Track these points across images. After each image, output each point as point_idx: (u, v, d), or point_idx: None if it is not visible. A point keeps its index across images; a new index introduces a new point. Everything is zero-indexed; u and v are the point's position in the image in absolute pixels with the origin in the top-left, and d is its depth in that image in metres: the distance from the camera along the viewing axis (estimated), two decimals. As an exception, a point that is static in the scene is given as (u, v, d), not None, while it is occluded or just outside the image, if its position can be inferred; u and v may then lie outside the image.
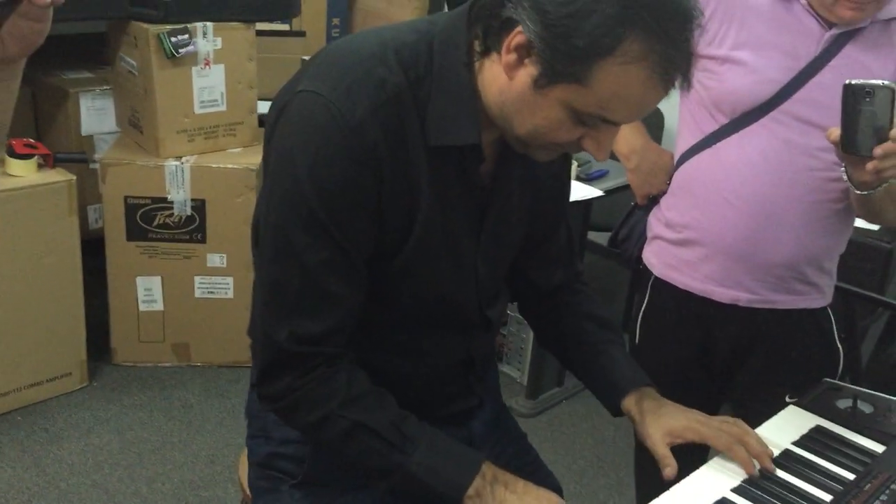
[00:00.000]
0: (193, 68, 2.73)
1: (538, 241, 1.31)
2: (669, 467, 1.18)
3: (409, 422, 1.11)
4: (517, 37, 0.96)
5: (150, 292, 2.88)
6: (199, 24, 2.69)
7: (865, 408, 1.30)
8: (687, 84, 0.98)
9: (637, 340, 1.79)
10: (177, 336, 2.94)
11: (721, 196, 1.57)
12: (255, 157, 2.86)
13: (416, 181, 1.06)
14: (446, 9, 3.83)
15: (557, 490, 1.39)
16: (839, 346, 1.71)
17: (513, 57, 0.98)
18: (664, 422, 1.23)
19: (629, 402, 1.28)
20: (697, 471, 1.18)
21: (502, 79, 1.01)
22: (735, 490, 1.12)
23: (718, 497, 1.11)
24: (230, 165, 2.78)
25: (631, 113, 0.99)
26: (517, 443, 1.41)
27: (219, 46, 2.75)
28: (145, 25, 2.62)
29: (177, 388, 2.87)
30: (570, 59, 0.93)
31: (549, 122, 1.00)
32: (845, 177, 1.41)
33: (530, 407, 2.88)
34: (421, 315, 1.18)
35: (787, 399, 1.68)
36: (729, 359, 1.70)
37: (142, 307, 2.89)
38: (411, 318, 1.19)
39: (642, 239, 1.78)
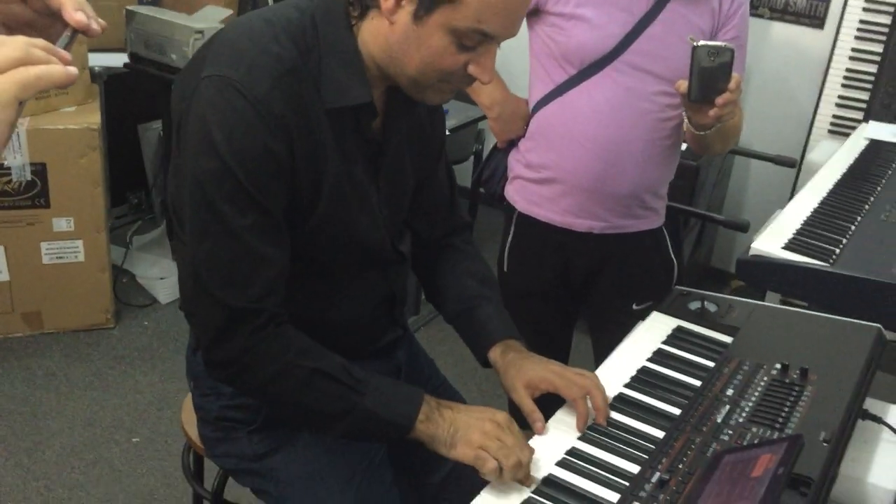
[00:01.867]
0: (18, 26, 2.61)
1: (421, 186, 1.44)
2: (538, 422, 1.26)
3: (355, 367, 1.23)
4: None
5: (-7, 263, 2.78)
6: (21, -20, 2.56)
7: (711, 307, 1.57)
8: None
9: (506, 269, 2.01)
10: (26, 305, 2.87)
11: (573, 139, 1.78)
12: (92, 116, 2.80)
13: (320, 142, 1.18)
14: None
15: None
16: (673, 258, 2.01)
17: (391, 3, 1.11)
18: (523, 374, 1.32)
19: (495, 353, 1.39)
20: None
21: (384, 27, 1.14)
22: (626, 385, 1.35)
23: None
24: (70, 126, 2.71)
25: (503, 20, 1.12)
26: (430, 366, 1.58)
27: (44, 2, 2.64)
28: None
29: (34, 357, 2.81)
30: None
31: (435, 51, 1.13)
32: (686, 121, 1.66)
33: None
34: (343, 261, 1.31)
35: (634, 307, 1.97)
36: (585, 277, 1.96)
37: (-15, 279, 2.78)
38: (335, 266, 1.31)
39: (504, 177, 1.98)
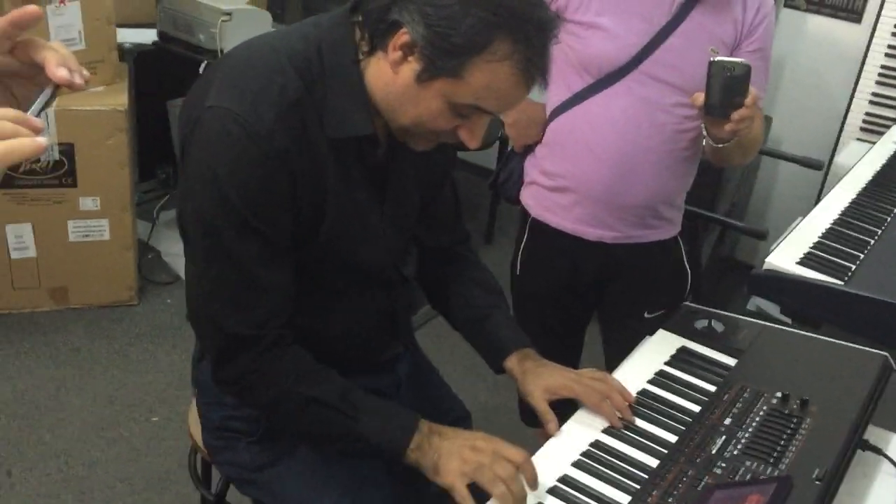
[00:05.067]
0: (48, 7, 2.64)
1: (427, 203, 1.45)
2: (551, 423, 1.31)
3: (354, 391, 1.26)
4: (402, 37, 1.10)
5: (20, 239, 2.84)
6: (50, -38, 2.59)
7: (718, 326, 1.56)
8: (544, 83, 1.15)
9: (518, 271, 2.01)
10: (53, 281, 2.93)
11: (589, 149, 1.77)
12: (121, 97, 2.83)
13: (322, 172, 1.19)
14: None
15: (466, 415, 1.61)
16: (687, 268, 1.99)
17: (398, 54, 1.12)
18: (542, 380, 1.37)
19: (511, 362, 1.42)
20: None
21: (388, 74, 1.15)
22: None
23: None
24: (98, 108, 2.74)
25: (501, 104, 1.15)
26: (432, 378, 1.60)
27: (73, -17, 2.67)
28: (-5, -35, 2.50)
29: (59, 333, 2.88)
30: (448, 55, 1.09)
31: (430, 113, 1.15)
32: (705, 132, 1.64)
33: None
34: (347, 281, 1.33)
35: (646, 315, 1.97)
36: (595, 285, 1.96)
37: (13, 255, 2.85)
38: (339, 285, 1.33)
39: (520, 181, 1.98)
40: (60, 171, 2.77)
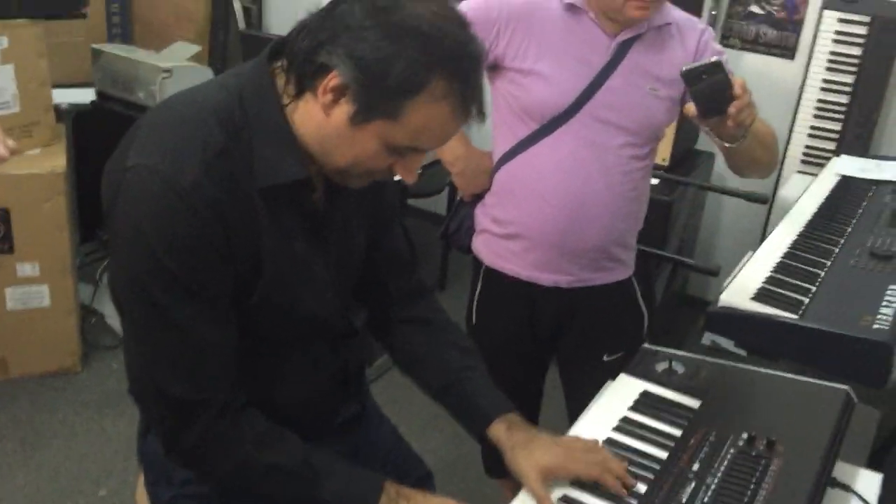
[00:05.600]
0: (-20, 70, 2.57)
1: (375, 244, 1.39)
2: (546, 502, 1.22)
3: (316, 454, 1.20)
4: (333, 80, 1.07)
5: (-44, 310, 2.72)
6: (-19, 25, 2.53)
7: (678, 367, 1.54)
8: (481, 116, 1.13)
9: (474, 321, 1.98)
10: (-9, 351, 2.81)
11: (538, 195, 1.76)
12: (58, 159, 2.76)
13: (255, 221, 1.14)
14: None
15: (427, 474, 1.56)
16: (643, 309, 1.98)
17: (329, 97, 1.08)
18: (536, 459, 1.26)
19: (497, 431, 1.33)
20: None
21: (319, 117, 1.11)
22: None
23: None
24: (34, 171, 2.67)
25: (437, 141, 1.13)
26: (390, 437, 1.54)
27: (5, 45, 2.61)
28: (-78, 30, 2.43)
29: (0, 406, 2.75)
30: (383, 98, 1.06)
31: (366, 154, 1.12)
32: (716, 139, 1.61)
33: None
34: (290, 336, 1.28)
35: (605, 358, 1.95)
36: (553, 330, 1.93)
37: (-51, 326, 2.73)
38: (285, 343, 1.28)
39: (471, 230, 1.96)
40: (-4, 237, 2.68)
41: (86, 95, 3.22)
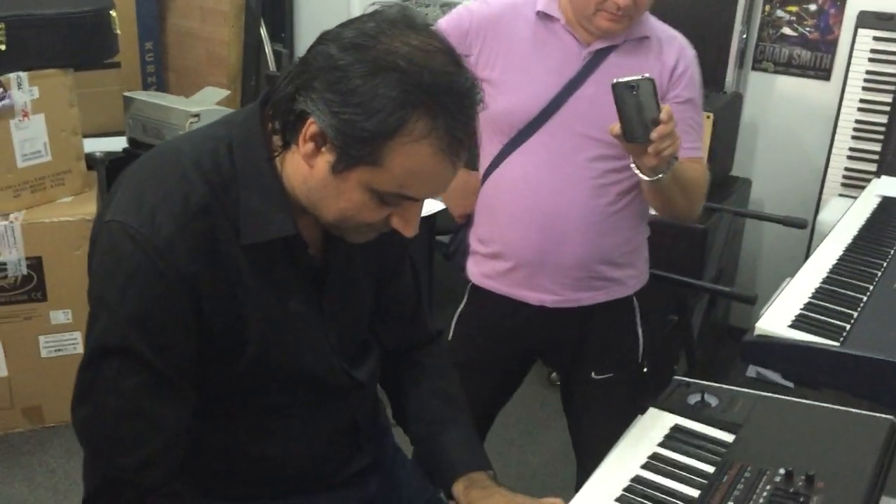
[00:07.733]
0: (11, 121, 2.61)
1: (383, 291, 1.33)
2: None
3: None
4: (311, 127, 1.02)
5: (-9, 359, 2.74)
6: (12, 76, 2.58)
7: (712, 400, 1.47)
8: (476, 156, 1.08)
9: (450, 337, 1.92)
10: (26, 400, 2.82)
11: (511, 212, 1.71)
12: (89, 206, 2.78)
13: (239, 283, 1.09)
14: (262, 28, 3.82)
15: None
16: (639, 333, 1.88)
17: (310, 146, 1.03)
18: None
19: (458, 488, 1.28)
20: None
21: (304, 168, 1.05)
22: (618, 499, 1.26)
23: None
24: (64, 218, 2.69)
25: (427, 188, 1.05)
26: (413, 481, 1.46)
27: (36, 96, 2.65)
28: (-46, 84, 2.48)
29: (35, 454, 2.75)
30: (361, 142, 0.99)
31: (354, 205, 1.05)
32: (635, 168, 1.56)
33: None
34: (293, 395, 1.22)
35: (593, 376, 1.86)
36: (537, 349, 1.90)
37: (-16, 375, 2.75)
38: (284, 401, 1.22)
39: (467, 252, 1.92)
40: (29, 285, 2.69)
41: (118, 143, 3.26)
